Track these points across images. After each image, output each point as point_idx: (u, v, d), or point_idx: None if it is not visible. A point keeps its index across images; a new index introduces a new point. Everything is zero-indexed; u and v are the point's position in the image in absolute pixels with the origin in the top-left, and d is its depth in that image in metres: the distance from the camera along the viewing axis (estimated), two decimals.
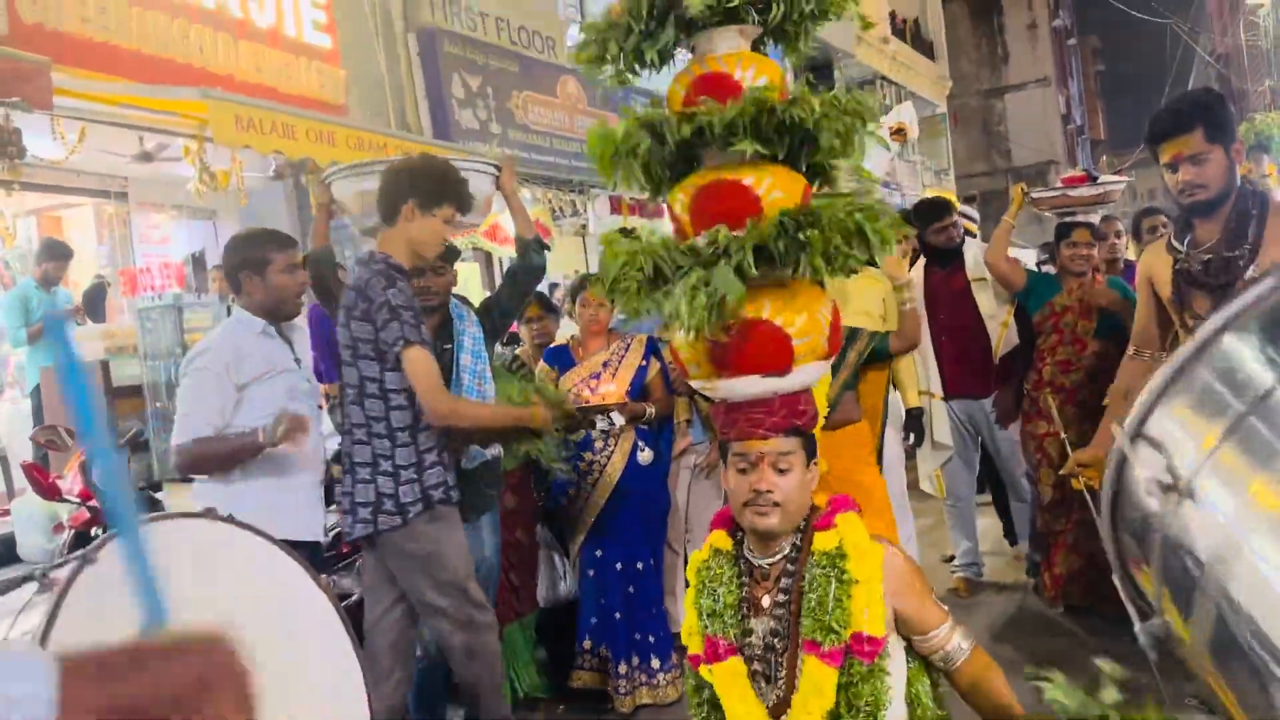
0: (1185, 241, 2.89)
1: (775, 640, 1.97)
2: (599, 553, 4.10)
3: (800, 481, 2.00)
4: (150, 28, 6.77)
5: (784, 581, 2.00)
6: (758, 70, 2.15)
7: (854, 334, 3.90)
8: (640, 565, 4.11)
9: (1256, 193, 2.84)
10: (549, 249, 3.91)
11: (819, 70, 19.38)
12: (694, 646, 2.10)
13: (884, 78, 22.57)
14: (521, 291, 3.90)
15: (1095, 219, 4.94)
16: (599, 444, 4.09)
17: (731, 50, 2.23)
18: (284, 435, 2.95)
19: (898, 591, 1.95)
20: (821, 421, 3.70)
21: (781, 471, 1.97)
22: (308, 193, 8.13)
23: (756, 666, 1.99)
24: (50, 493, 3.80)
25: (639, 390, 4.19)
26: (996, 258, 4.64)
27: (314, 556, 2.98)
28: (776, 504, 1.95)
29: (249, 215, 8.99)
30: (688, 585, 2.16)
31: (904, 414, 4.82)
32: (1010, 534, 5.59)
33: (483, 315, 3.80)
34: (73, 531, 3.76)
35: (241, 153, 6.62)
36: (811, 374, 2.11)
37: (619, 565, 4.10)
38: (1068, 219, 4.75)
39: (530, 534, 4.27)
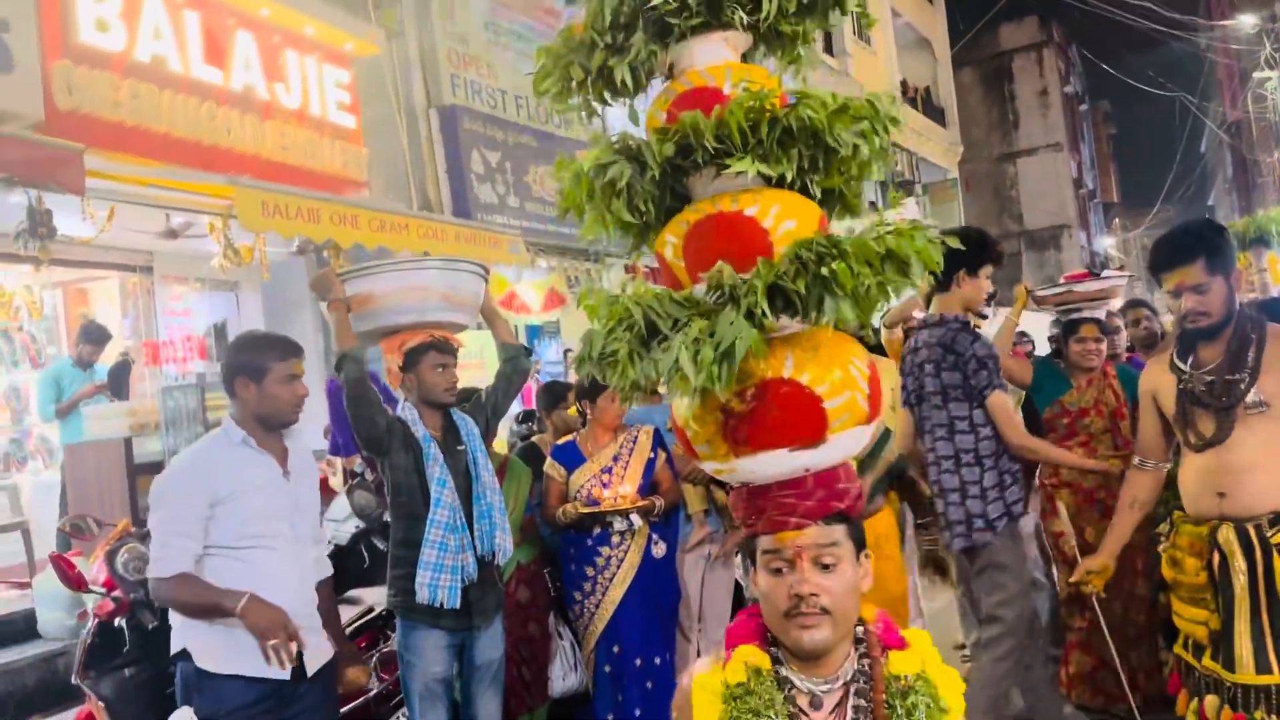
0: (1189, 362, 2.98)
1: None
2: (616, 649, 4.13)
3: (851, 580, 1.64)
4: (179, 111, 6.99)
5: (851, 713, 1.64)
6: (751, 82, 1.80)
7: (887, 434, 3.85)
8: (658, 660, 4.14)
9: (1256, 318, 2.94)
10: (532, 353, 4.09)
11: None
12: None
13: (896, 145, 22.88)
14: (513, 394, 4.02)
15: (1101, 314, 5.00)
16: (615, 539, 4.14)
17: (716, 62, 1.90)
18: (251, 623, 2.74)
19: None
20: None
21: (826, 568, 1.61)
22: (330, 265, 8.31)
23: None
24: (77, 584, 3.86)
25: (649, 483, 4.25)
26: (1002, 357, 4.70)
27: (280, 692, 2.87)
28: (826, 610, 1.60)
29: (271, 288, 9.21)
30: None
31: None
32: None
33: (475, 414, 3.86)
34: (97, 621, 3.82)
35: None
36: (851, 443, 1.73)
37: (638, 661, 4.13)
38: (1074, 315, 4.82)
39: (543, 626, 4.31)
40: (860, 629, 1.70)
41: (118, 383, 6.62)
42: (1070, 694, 4.57)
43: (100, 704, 3.94)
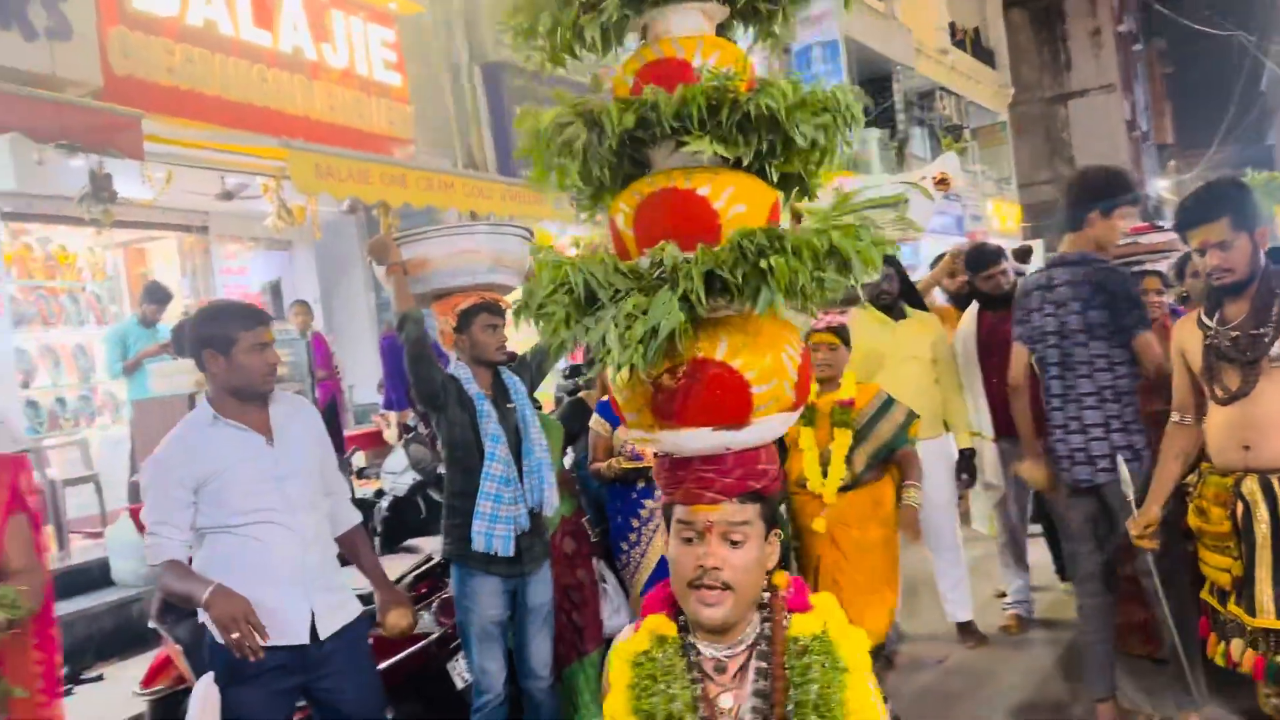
0: (1215, 318, 3.05)
1: None
2: None
3: (756, 558, 1.68)
4: (231, 74, 7.13)
5: (753, 675, 1.67)
6: (721, 58, 1.80)
7: (889, 404, 3.95)
8: None
9: None
10: None
11: (876, 84, 19.35)
12: None
13: (944, 89, 22.49)
14: (557, 354, 4.13)
15: (1163, 267, 4.99)
16: (658, 492, 4.27)
17: (690, 33, 1.88)
18: (214, 615, 2.73)
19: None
20: (838, 488, 3.78)
21: (734, 544, 1.65)
22: (378, 224, 8.50)
23: None
24: None
25: None
26: None
27: (300, 655, 2.92)
28: (727, 586, 1.64)
29: (323, 247, 9.42)
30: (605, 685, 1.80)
31: (955, 455, 4.95)
32: (1062, 570, 5.66)
33: (521, 373, 3.98)
34: None
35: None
36: (773, 428, 1.76)
37: None
38: (1135, 268, 4.82)
39: (590, 574, 4.47)
40: (767, 594, 1.72)
41: (180, 341, 6.85)
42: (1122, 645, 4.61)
43: (178, 647, 4.18)
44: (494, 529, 3.59)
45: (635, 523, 4.33)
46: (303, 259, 9.72)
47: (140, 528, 4.18)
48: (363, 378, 9.68)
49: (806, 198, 1.98)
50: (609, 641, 4.39)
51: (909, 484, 3.90)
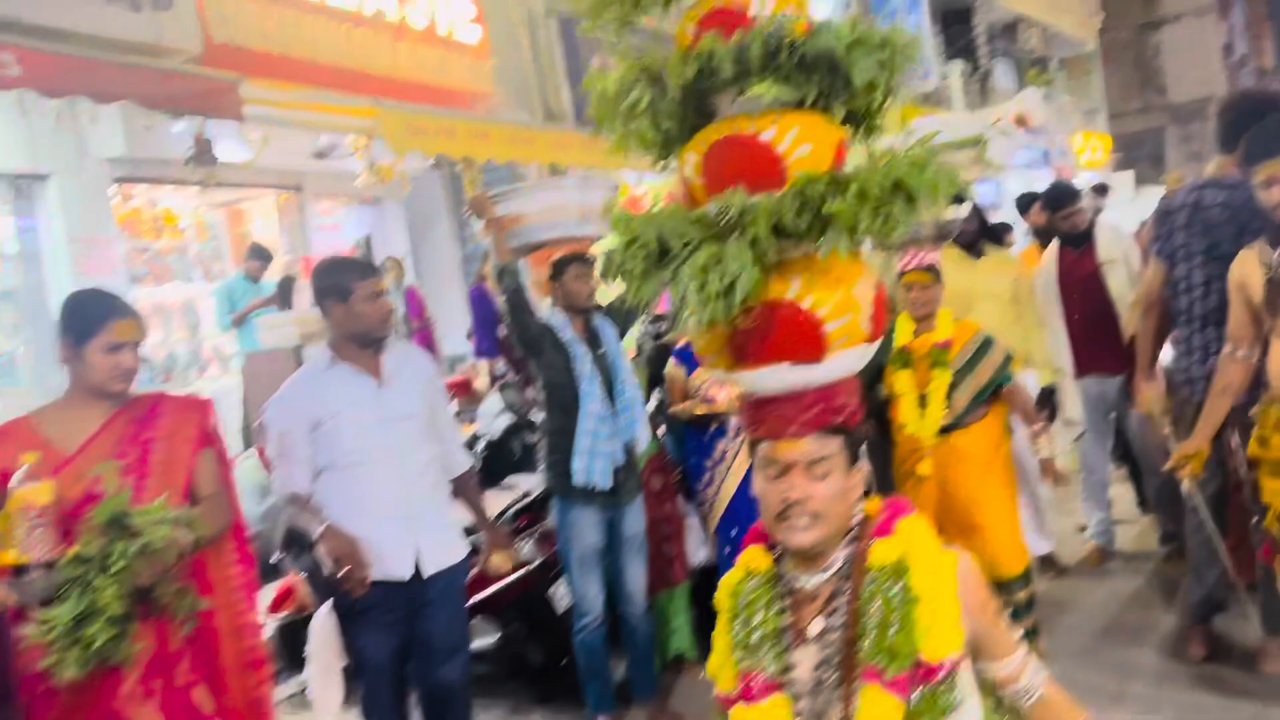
0: (1277, 253, 3.10)
1: (825, 672, 1.70)
2: (734, 532, 4.44)
3: (842, 488, 1.72)
4: (321, 37, 7.37)
5: (835, 603, 1.73)
6: (779, 2, 1.82)
7: (987, 344, 3.97)
8: None
9: None
10: None
11: (957, 16, 18.90)
12: (722, 683, 1.82)
13: (1028, 19, 21.84)
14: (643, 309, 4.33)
15: None
16: (730, 435, 4.44)
17: None
18: (324, 550, 3.05)
19: (972, 608, 1.70)
20: (938, 429, 3.85)
21: (818, 477, 1.70)
22: (461, 179, 8.75)
23: (803, 705, 1.70)
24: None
25: None
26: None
27: (405, 591, 3.15)
28: (815, 515, 1.69)
29: (411, 202, 9.71)
30: (714, 611, 1.90)
31: (1036, 392, 5.02)
32: (1143, 503, 5.72)
33: (613, 319, 4.21)
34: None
35: None
36: (850, 362, 1.78)
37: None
38: None
39: (676, 508, 4.69)
40: (857, 521, 1.77)
41: (284, 295, 7.23)
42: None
43: (300, 576, 4.54)
44: (593, 463, 3.84)
45: (709, 464, 4.51)
46: (392, 215, 10.03)
47: (266, 465, 4.53)
48: (451, 329, 10.00)
49: (871, 135, 1.97)
50: (695, 573, 4.66)
51: (1036, 431, 4.00)
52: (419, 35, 8.29)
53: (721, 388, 4.48)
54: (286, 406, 3.21)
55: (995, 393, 3.99)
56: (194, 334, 8.52)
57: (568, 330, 3.99)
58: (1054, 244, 5.34)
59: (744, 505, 4.42)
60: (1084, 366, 5.16)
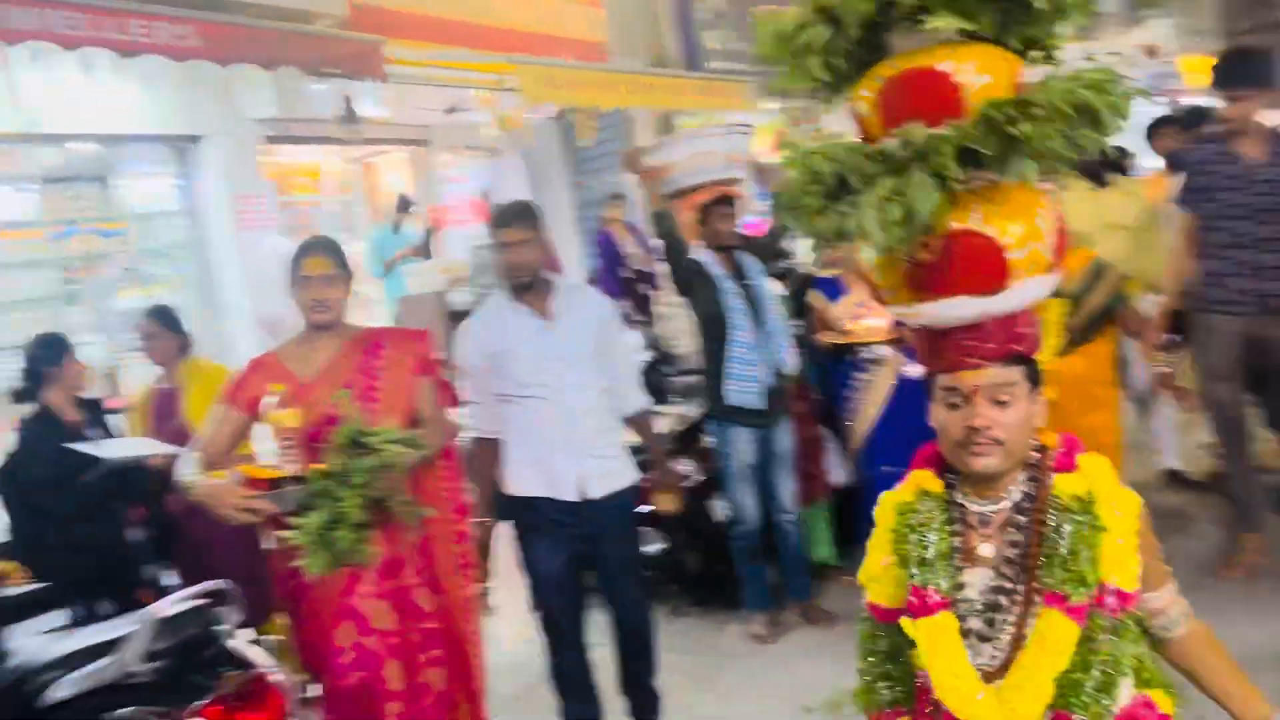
0: None
1: (1001, 596, 1.74)
2: (875, 456, 4.65)
3: (1025, 415, 1.73)
4: None
5: (1012, 531, 1.76)
6: None
7: (1101, 269, 4.09)
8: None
9: None
10: None
11: None
12: (876, 593, 1.88)
13: None
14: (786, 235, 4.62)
15: None
16: (868, 365, 4.71)
17: None
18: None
19: (1141, 546, 1.74)
20: (1056, 352, 3.87)
21: (1001, 404, 1.71)
22: (573, 129, 9.10)
23: (972, 624, 1.74)
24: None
25: None
26: None
27: (570, 511, 3.36)
28: (998, 442, 1.71)
29: (526, 151, 10.09)
30: (872, 524, 1.95)
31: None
32: (1273, 421, 5.79)
33: (758, 254, 4.53)
34: None
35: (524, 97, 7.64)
36: (1032, 291, 1.77)
37: (887, 469, 4.74)
38: None
39: (816, 431, 5.00)
40: (1036, 454, 1.79)
41: (427, 244, 7.73)
42: None
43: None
44: (745, 386, 4.19)
45: (847, 393, 4.78)
46: (512, 165, 10.43)
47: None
48: (568, 273, 10.41)
49: (1050, 63, 1.93)
50: (834, 491, 4.99)
51: (1154, 345, 4.14)
52: None
53: (858, 320, 4.76)
54: (473, 343, 3.44)
55: (1110, 316, 4.13)
56: None
57: (715, 266, 4.33)
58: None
59: (884, 433, 4.66)
60: None
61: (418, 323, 7.03)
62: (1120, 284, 4.15)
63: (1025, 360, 1.75)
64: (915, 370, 4.63)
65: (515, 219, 3.36)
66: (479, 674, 3.25)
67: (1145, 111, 8.43)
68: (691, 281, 4.33)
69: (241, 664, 2.75)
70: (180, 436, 4.22)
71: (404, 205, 8.16)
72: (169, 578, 4.19)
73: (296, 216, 8.76)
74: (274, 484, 2.71)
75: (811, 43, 1.80)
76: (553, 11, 8.70)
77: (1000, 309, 1.72)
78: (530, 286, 3.37)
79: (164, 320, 4.40)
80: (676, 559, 4.73)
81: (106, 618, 3.35)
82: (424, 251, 7.69)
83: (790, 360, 4.43)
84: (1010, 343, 1.73)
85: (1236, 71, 4.32)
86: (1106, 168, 5.30)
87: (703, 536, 4.65)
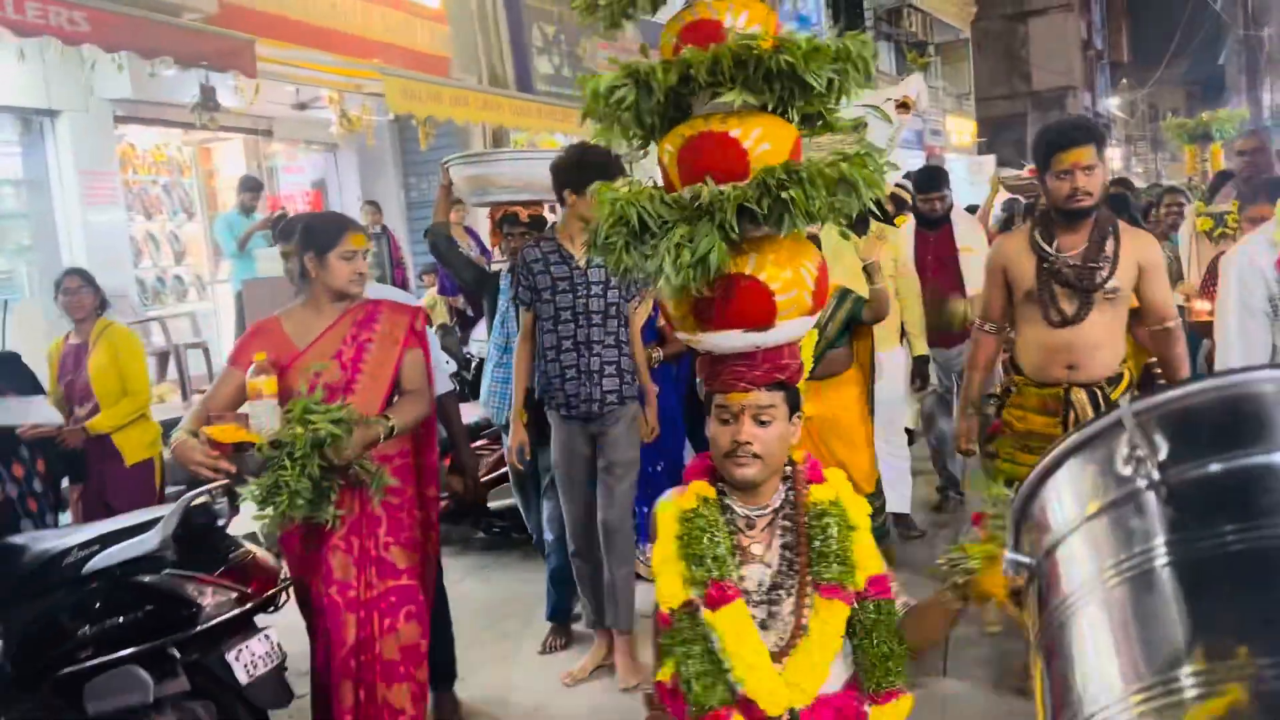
0: (1053, 245, 3.31)
1: (779, 590, 2.01)
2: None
3: (781, 434, 2.01)
4: (310, 3, 8.31)
5: (781, 533, 2.05)
6: (750, 16, 2.07)
7: (844, 294, 4.33)
8: None
9: (1111, 216, 3.35)
10: None
11: (849, 0, 20.24)
12: (676, 595, 2.01)
13: (911, 5, 23.39)
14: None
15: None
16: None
17: None
18: None
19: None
20: (807, 373, 4.08)
21: (763, 424, 1.99)
22: (406, 132, 9.74)
23: (755, 611, 2.00)
24: None
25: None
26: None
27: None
28: (757, 455, 1.98)
29: (362, 149, 10.64)
30: (650, 539, 2.14)
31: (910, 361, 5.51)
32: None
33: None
34: None
35: (368, 100, 8.40)
36: (795, 329, 2.07)
37: None
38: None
39: None
40: (789, 468, 2.09)
41: (274, 229, 8.18)
42: None
43: None
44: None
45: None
46: (345, 161, 10.97)
47: None
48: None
49: (829, 132, 2.25)
50: None
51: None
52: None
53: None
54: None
55: (852, 331, 4.44)
56: (178, 262, 9.34)
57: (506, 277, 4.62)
58: (910, 223, 5.79)
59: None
60: (933, 340, 5.52)
61: (264, 304, 7.51)
62: (857, 298, 4.35)
63: (786, 387, 2.05)
64: None
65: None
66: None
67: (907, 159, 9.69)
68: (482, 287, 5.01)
69: (236, 545, 3.30)
70: (82, 390, 4.72)
71: (250, 185, 8.50)
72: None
73: (143, 197, 9.00)
74: (238, 447, 2.83)
75: (624, 101, 2.06)
76: (403, 24, 9.39)
77: (768, 342, 2.03)
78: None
79: (84, 278, 4.85)
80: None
81: None
82: (273, 236, 8.15)
83: None
84: (775, 371, 2.03)
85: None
86: (873, 215, 6.31)
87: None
